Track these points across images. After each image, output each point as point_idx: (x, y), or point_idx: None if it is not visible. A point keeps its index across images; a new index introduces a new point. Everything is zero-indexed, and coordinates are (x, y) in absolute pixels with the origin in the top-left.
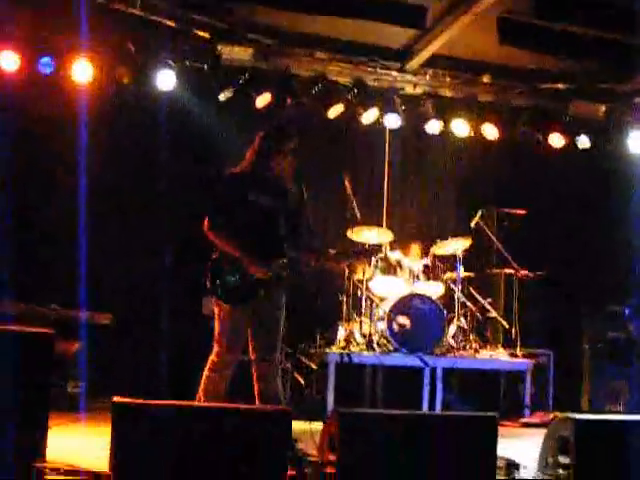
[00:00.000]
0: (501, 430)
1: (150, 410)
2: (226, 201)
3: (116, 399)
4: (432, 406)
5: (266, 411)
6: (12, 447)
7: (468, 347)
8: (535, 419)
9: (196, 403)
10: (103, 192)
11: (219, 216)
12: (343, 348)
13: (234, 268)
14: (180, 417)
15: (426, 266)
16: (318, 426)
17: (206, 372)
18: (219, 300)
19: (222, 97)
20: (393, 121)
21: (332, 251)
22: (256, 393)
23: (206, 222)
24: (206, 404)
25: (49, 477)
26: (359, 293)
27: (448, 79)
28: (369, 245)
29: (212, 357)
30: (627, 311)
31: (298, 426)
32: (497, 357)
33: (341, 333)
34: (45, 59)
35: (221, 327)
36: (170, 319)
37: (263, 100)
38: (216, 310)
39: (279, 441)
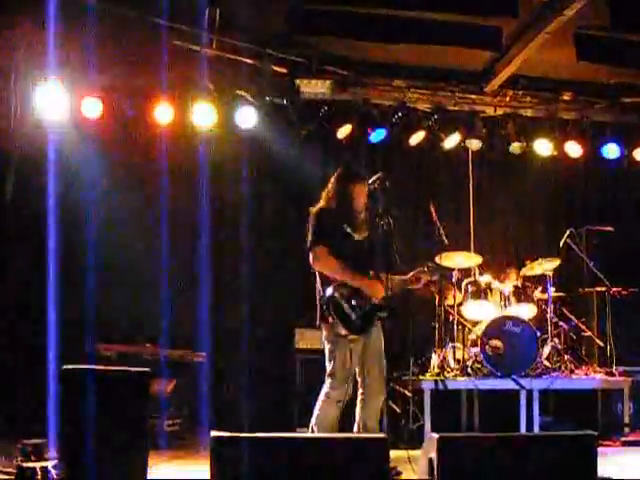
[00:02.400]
0: (601, 449)
1: (248, 442)
2: (328, 231)
3: (214, 433)
4: (530, 428)
5: (363, 439)
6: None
7: (563, 367)
8: (635, 437)
9: (290, 434)
10: (190, 233)
11: (325, 246)
12: (437, 375)
13: (350, 299)
14: (277, 449)
15: (517, 288)
16: (416, 454)
17: (321, 404)
18: (348, 331)
19: (303, 131)
20: (475, 144)
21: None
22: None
23: (314, 253)
24: (301, 435)
25: None
26: (450, 318)
27: (528, 99)
28: (458, 269)
29: (327, 390)
30: None
31: (396, 455)
32: (593, 376)
33: (434, 359)
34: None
35: (336, 363)
36: (261, 354)
37: (344, 131)
38: (329, 345)
39: (377, 470)
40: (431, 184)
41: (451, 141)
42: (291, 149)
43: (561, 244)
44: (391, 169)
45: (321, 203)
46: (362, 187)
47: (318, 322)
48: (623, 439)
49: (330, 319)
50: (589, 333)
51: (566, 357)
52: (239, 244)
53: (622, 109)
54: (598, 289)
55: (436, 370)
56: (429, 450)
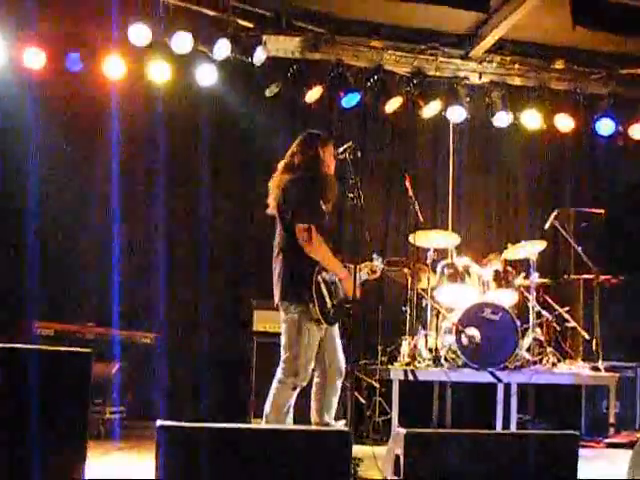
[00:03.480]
0: (583, 451)
1: (198, 433)
2: (315, 207)
3: (160, 422)
4: (506, 426)
5: (323, 433)
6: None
7: (545, 360)
8: (621, 439)
9: (246, 425)
10: (137, 199)
11: (317, 226)
12: (407, 364)
13: (330, 286)
14: (230, 440)
15: (497, 272)
16: (382, 450)
17: (277, 390)
18: (323, 319)
19: (268, 92)
20: (457, 114)
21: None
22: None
23: (307, 234)
24: (257, 426)
25: None
26: (424, 303)
27: (517, 66)
28: (433, 249)
29: (283, 375)
30: None
31: (360, 450)
32: (577, 371)
33: (405, 348)
34: (73, 55)
35: (300, 347)
36: (214, 336)
37: (313, 95)
38: (294, 328)
39: (337, 466)
40: (407, 156)
41: (431, 110)
42: (254, 112)
43: (547, 226)
44: (364, 138)
45: (292, 173)
46: (332, 152)
47: (281, 301)
48: (607, 440)
49: (309, 301)
50: (574, 324)
51: (548, 349)
52: (196, 213)
53: (619, 81)
54: (585, 276)
55: (406, 359)
56: (396, 446)
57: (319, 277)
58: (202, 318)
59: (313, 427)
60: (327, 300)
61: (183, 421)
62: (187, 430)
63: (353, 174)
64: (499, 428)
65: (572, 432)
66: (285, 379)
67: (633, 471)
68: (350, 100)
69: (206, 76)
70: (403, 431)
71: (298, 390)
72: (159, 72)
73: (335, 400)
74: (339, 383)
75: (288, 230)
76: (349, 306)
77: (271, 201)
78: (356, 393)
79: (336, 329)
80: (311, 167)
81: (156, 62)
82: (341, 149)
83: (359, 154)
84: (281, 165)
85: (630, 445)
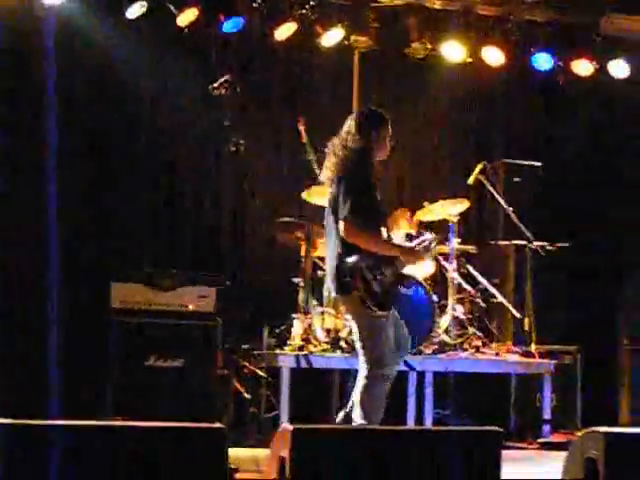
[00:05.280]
0: (511, 452)
1: (43, 432)
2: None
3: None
4: (419, 421)
5: (193, 430)
6: None
7: (466, 344)
8: (557, 438)
9: (101, 422)
10: None
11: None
12: (300, 348)
13: (374, 273)
14: (86, 438)
15: (409, 237)
16: (267, 452)
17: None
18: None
19: (131, 14)
20: (363, 43)
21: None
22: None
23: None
24: (113, 423)
25: None
26: (319, 275)
27: None
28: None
29: (371, 372)
30: None
31: (239, 453)
32: (506, 357)
33: (297, 329)
34: None
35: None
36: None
37: (187, 18)
38: (355, 323)
39: (210, 469)
40: (303, 94)
41: (331, 38)
42: (114, 38)
43: (470, 181)
44: (249, 71)
45: (343, 162)
46: (389, 133)
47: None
48: (541, 440)
49: (354, 290)
50: (502, 300)
51: (471, 331)
52: (40, 163)
53: (560, 7)
54: (517, 243)
55: (298, 342)
56: (281, 446)
57: (361, 264)
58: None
59: (183, 424)
60: (373, 285)
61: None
62: (26, 428)
63: (229, 115)
64: (411, 424)
65: (494, 428)
66: (368, 373)
67: (565, 477)
68: (232, 25)
69: None
70: (289, 428)
71: (389, 383)
72: None
73: None
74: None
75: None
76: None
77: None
78: (237, 384)
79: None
80: (361, 159)
81: None
82: (216, 84)
83: (238, 90)
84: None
85: (569, 445)
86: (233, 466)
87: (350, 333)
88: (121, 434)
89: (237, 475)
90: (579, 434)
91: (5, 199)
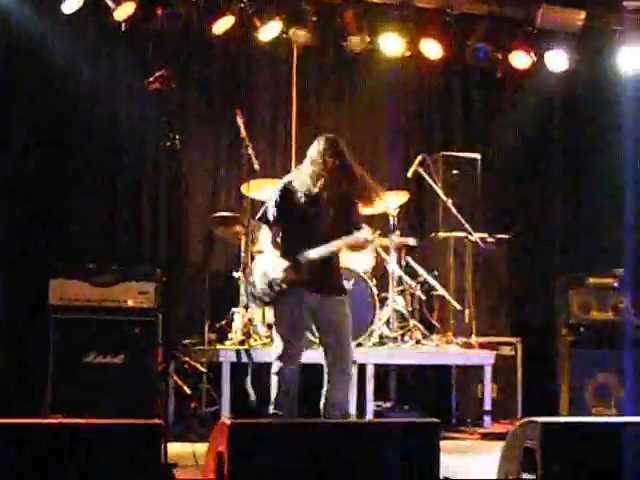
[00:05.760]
0: (451, 443)
1: None
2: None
3: None
4: (361, 413)
5: (127, 426)
6: None
7: (407, 336)
8: (498, 428)
9: (40, 420)
10: None
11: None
12: (241, 343)
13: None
14: (18, 436)
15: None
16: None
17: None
18: None
19: (66, 8)
20: (301, 37)
21: None
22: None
23: None
24: (51, 421)
25: None
26: None
27: None
28: None
29: None
30: (616, 284)
31: (179, 449)
32: (446, 349)
33: (237, 323)
34: None
35: None
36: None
37: (124, 11)
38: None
39: (145, 469)
40: (241, 88)
41: (269, 31)
42: (48, 34)
43: (410, 173)
44: (185, 65)
45: None
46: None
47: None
48: (482, 430)
49: None
50: (443, 292)
51: (412, 323)
52: None
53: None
54: (456, 235)
55: (239, 337)
56: (218, 441)
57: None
58: None
59: (120, 420)
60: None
61: None
62: None
63: (166, 109)
64: (352, 417)
65: (432, 420)
66: None
67: (502, 467)
68: (169, 19)
69: None
70: (227, 422)
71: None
72: None
73: None
74: None
75: None
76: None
77: None
78: (178, 380)
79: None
80: None
81: None
82: (152, 78)
83: (173, 85)
84: None
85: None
86: (172, 462)
87: None
88: (59, 432)
89: (175, 471)
90: (518, 424)
91: None
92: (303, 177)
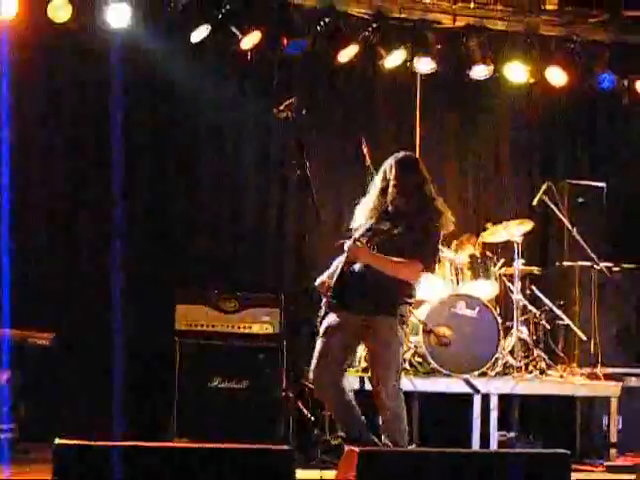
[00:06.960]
0: (578, 475)
1: (105, 453)
2: None
3: (59, 441)
4: (484, 444)
5: (262, 451)
6: None
7: (532, 366)
8: (624, 462)
9: (165, 444)
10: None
11: None
12: (364, 370)
13: None
14: (141, 460)
15: (473, 258)
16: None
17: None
18: None
19: (195, 37)
20: (425, 65)
21: None
22: None
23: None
24: (177, 444)
25: None
26: None
27: (499, 7)
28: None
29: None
30: None
31: (302, 475)
32: (572, 380)
33: (361, 351)
34: None
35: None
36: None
37: (251, 40)
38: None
39: None
40: (365, 116)
41: (394, 59)
42: (177, 60)
43: (535, 202)
44: (312, 93)
45: None
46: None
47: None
48: (607, 463)
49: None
50: (568, 321)
51: (536, 352)
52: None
53: (624, 25)
54: (582, 264)
55: (362, 364)
56: (347, 468)
57: None
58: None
59: (251, 446)
60: None
61: (91, 439)
62: (90, 449)
63: (296, 137)
64: (476, 447)
65: (562, 451)
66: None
67: None
68: (296, 48)
69: (117, 16)
70: (356, 450)
71: None
72: (58, 11)
73: None
74: None
75: None
76: None
77: None
78: (301, 405)
79: None
80: None
81: None
82: (281, 106)
83: (304, 112)
84: None
85: (637, 469)
86: None
87: (415, 354)
88: (187, 455)
89: None
90: None
91: (73, 217)
92: None
